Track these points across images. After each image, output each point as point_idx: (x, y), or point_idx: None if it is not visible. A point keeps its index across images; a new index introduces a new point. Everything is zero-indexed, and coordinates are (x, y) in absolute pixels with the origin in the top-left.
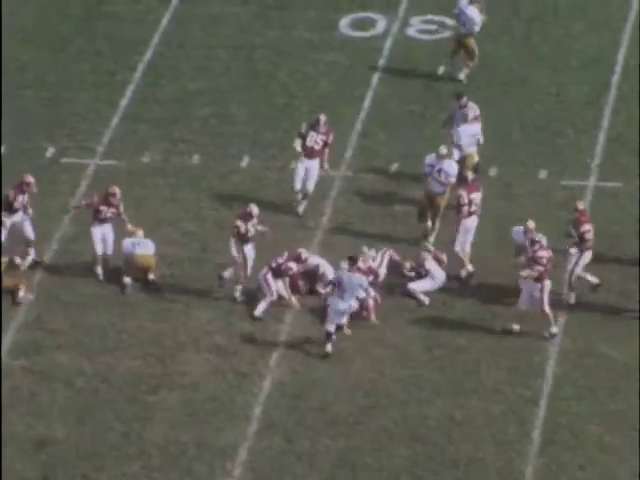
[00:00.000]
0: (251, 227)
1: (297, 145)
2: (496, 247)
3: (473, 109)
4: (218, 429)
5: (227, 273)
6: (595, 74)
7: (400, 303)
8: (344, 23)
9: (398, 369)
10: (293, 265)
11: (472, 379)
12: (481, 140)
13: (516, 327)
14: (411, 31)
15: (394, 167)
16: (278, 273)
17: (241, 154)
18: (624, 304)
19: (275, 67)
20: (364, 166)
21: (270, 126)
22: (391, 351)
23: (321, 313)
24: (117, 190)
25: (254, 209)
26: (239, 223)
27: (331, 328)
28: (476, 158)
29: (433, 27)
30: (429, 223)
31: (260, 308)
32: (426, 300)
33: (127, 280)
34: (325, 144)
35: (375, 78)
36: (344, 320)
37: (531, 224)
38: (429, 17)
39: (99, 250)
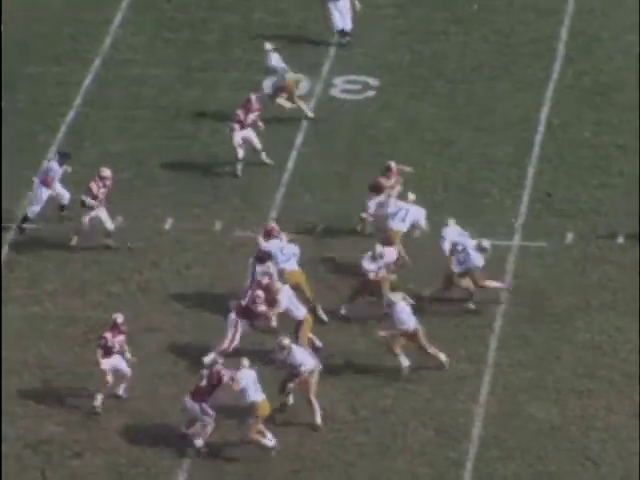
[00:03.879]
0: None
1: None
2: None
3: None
4: None
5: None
6: (519, 134)
7: (325, 365)
8: (268, 84)
9: (324, 432)
10: (260, 293)
11: (398, 440)
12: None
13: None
14: (334, 91)
15: (319, 228)
16: (249, 312)
17: (164, 216)
18: (551, 364)
19: (197, 128)
20: (289, 227)
21: (193, 187)
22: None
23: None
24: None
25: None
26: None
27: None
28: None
29: (356, 87)
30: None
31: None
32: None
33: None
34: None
35: (299, 138)
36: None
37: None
38: (352, 77)
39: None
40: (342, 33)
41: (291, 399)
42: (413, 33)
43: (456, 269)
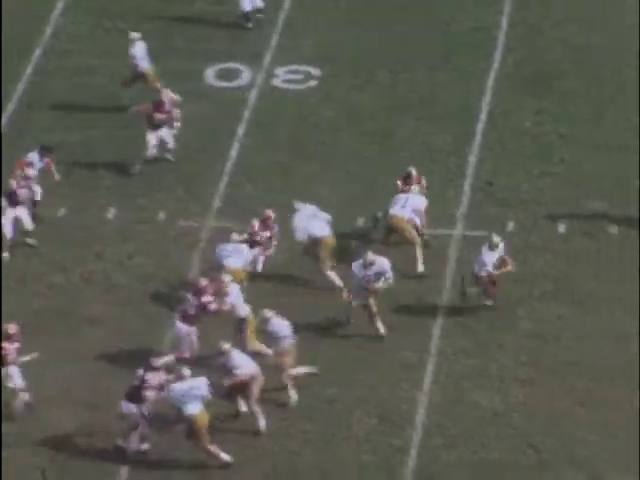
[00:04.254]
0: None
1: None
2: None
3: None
4: None
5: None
6: (460, 123)
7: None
8: (209, 73)
9: (269, 420)
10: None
11: (342, 428)
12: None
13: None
14: (276, 81)
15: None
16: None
17: (107, 206)
18: (494, 352)
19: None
20: (232, 217)
21: (136, 177)
22: (262, 403)
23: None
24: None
25: None
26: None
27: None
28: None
29: (298, 77)
30: None
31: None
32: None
33: None
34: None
35: (241, 129)
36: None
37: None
38: (294, 67)
39: None
40: (246, 16)
41: (243, 405)
42: (355, 23)
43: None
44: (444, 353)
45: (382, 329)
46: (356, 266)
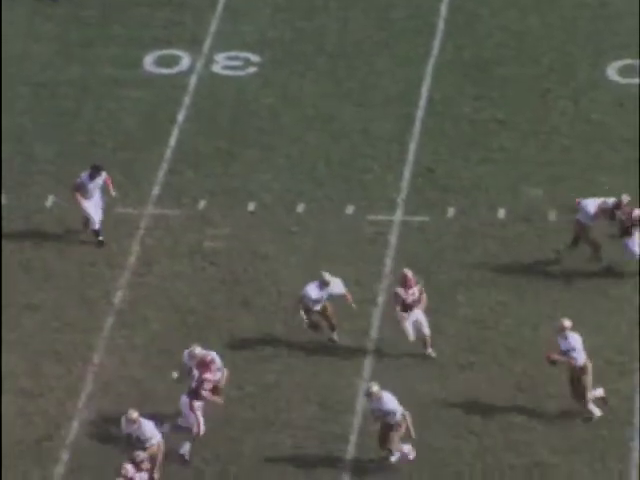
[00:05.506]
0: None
1: None
2: (306, 282)
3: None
4: (24, 473)
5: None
6: (400, 109)
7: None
8: (148, 60)
9: (209, 408)
10: (208, 376)
11: (283, 415)
12: None
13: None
14: (216, 67)
15: (202, 204)
16: (197, 394)
17: (46, 193)
18: (434, 338)
19: (79, 104)
20: (171, 203)
21: (75, 164)
22: None
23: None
24: None
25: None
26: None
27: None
28: None
29: (238, 64)
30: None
31: (186, 447)
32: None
33: None
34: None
35: (181, 115)
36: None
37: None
38: (234, 53)
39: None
40: None
41: None
42: (294, 9)
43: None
44: (384, 339)
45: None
46: (311, 287)
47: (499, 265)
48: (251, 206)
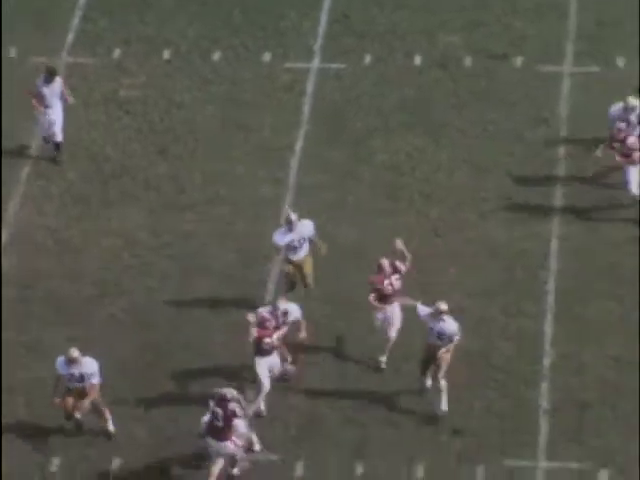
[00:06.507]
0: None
1: None
2: (222, 129)
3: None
4: None
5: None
6: None
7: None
8: None
9: (126, 257)
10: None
11: (201, 263)
12: None
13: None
14: None
15: (116, 53)
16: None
17: None
18: (351, 185)
19: None
20: (86, 52)
21: None
22: (120, 240)
23: None
24: None
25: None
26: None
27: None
28: None
29: None
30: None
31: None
32: None
33: None
34: None
35: None
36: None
37: None
38: None
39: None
40: None
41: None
42: None
43: None
44: (302, 187)
45: None
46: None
47: (415, 111)
48: (166, 54)
